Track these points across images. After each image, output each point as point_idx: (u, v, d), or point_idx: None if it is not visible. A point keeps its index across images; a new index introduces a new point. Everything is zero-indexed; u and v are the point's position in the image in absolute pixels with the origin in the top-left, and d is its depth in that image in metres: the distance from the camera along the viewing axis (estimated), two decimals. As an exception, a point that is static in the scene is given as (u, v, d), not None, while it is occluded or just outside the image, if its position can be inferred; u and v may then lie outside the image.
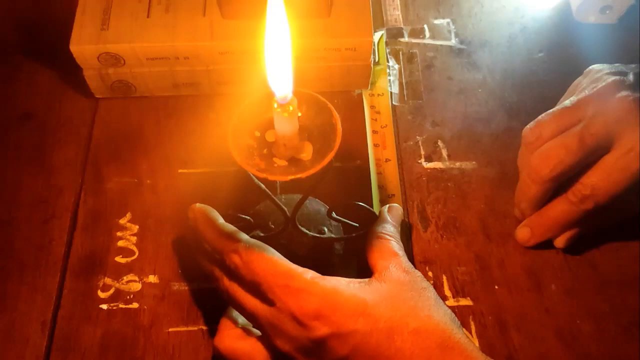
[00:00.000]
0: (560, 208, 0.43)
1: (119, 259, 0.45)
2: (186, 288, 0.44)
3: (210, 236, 0.38)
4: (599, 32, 0.56)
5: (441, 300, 0.37)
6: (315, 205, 0.45)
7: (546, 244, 0.45)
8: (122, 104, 0.52)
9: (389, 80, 0.54)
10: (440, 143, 0.51)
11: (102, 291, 0.44)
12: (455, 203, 0.48)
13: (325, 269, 0.36)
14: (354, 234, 0.44)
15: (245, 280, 0.36)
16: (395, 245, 0.40)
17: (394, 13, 0.58)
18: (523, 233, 0.45)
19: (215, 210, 0.39)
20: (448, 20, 0.57)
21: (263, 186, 0.38)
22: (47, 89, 0.53)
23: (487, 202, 0.48)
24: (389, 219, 0.42)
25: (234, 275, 0.37)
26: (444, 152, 0.50)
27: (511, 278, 0.45)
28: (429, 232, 0.47)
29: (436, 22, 0.57)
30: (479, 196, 0.48)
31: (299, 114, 0.35)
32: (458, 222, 0.47)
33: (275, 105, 0.34)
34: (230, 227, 0.38)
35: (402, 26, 0.57)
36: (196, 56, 0.48)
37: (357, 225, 0.44)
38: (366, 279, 0.37)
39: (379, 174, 0.49)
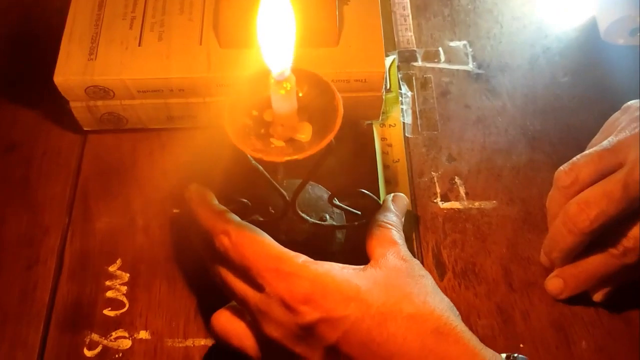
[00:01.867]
0: (599, 260, 0.39)
1: (107, 312, 0.42)
2: (181, 345, 0.40)
3: (202, 216, 0.37)
4: (629, 55, 0.52)
5: (439, 289, 0.36)
6: (318, 192, 0.42)
7: (575, 295, 0.41)
8: (112, 136, 0.48)
9: (402, 109, 0.50)
10: (457, 180, 0.47)
11: (89, 349, 0.40)
12: (474, 247, 0.44)
13: (325, 257, 0.35)
14: (356, 222, 0.42)
15: (234, 263, 0.35)
16: (395, 234, 0.38)
17: (406, 34, 0.54)
18: (555, 284, 0.41)
19: (210, 192, 0.38)
20: (465, 42, 0.53)
21: (261, 168, 0.36)
22: (33, 118, 0.49)
23: (509, 246, 0.44)
24: (392, 208, 0.41)
25: (224, 258, 0.35)
26: (462, 190, 0.46)
27: (537, 333, 0.41)
28: (446, 280, 0.43)
29: (452, 44, 0.53)
30: (500, 239, 0.44)
31: (300, 94, 0.34)
32: (477, 268, 0.43)
33: (272, 82, 0.32)
34: (222, 208, 0.37)
35: (415, 48, 0.53)
36: (192, 88, 0.44)
37: (360, 213, 0.42)
38: (361, 266, 0.36)
39: (390, 214, 0.45)
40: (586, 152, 0.40)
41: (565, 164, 0.41)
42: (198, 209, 0.37)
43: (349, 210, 0.42)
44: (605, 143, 0.40)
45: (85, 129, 0.48)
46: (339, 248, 0.42)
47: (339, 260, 0.35)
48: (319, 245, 0.41)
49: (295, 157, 0.32)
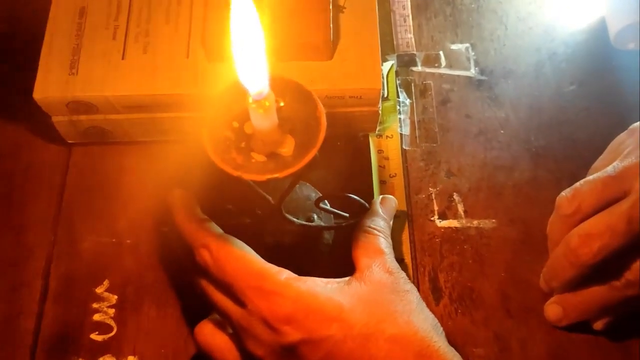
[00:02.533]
0: (600, 291, 0.38)
1: (94, 336, 0.41)
2: (169, 373, 0.40)
3: (183, 226, 0.36)
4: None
5: (424, 304, 0.36)
6: (306, 191, 0.41)
7: (574, 323, 0.40)
8: (98, 148, 0.46)
9: (400, 119, 0.48)
10: (456, 197, 0.45)
11: (75, 377, 0.40)
12: (471, 270, 0.43)
13: (313, 259, 0.35)
14: (344, 224, 0.41)
15: (215, 278, 0.34)
16: (382, 242, 0.38)
17: (406, 36, 0.51)
18: (554, 311, 0.40)
19: (194, 198, 0.37)
20: (467, 45, 0.51)
21: (244, 177, 0.34)
22: (16, 130, 0.47)
23: (507, 269, 0.43)
24: (380, 212, 0.40)
25: (205, 271, 0.35)
26: (460, 208, 0.45)
27: (534, 363, 0.40)
28: (442, 306, 0.42)
29: (453, 47, 0.51)
30: (498, 262, 0.43)
31: (281, 104, 0.33)
32: (475, 293, 0.42)
33: (250, 101, 0.30)
34: (203, 218, 0.36)
35: (414, 52, 0.51)
36: (179, 104, 0.42)
37: (347, 215, 0.41)
38: (345, 279, 0.35)
39: (386, 234, 0.43)
40: (590, 177, 0.39)
41: (568, 190, 0.39)
42: (179, 217, 0.36)
43: (337, 213, 0.41)
44: (609, 169, 0.38)
45: (69, 141, 0.46)
46: (326, 249, 0.41)
47: (326, 262, 0.35)
48: (306, 246, 0.40)
49: (275, 175, 0.31)
